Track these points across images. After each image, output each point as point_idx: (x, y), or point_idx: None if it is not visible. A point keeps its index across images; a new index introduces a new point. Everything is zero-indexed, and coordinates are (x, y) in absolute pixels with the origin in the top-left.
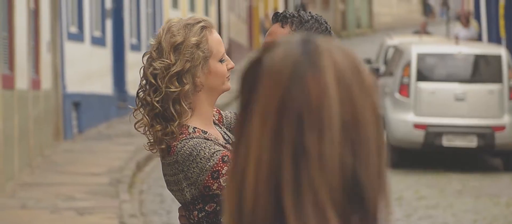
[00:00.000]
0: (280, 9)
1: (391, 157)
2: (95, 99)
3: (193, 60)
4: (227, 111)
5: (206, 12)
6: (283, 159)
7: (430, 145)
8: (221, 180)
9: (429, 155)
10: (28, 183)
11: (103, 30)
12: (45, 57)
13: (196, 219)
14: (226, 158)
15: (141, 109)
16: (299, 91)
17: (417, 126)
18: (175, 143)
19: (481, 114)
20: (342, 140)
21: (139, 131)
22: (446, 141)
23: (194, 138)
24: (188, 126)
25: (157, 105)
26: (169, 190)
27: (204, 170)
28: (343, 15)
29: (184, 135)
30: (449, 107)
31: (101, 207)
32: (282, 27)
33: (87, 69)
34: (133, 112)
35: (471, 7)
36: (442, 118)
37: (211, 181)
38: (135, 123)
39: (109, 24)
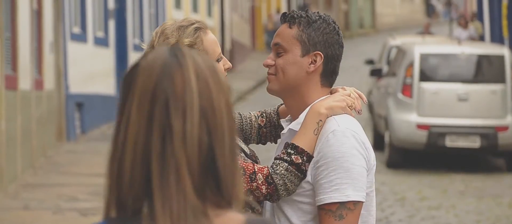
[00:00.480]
0: (283, 10)
1: (393, 157)
2: (98, 99)
3: None
4: None
5: (209, 12)
6: (153, 137)
7: (433, 145)
8: None
9: (432, 155)
10: (31, 184)
11: (106, 31)
12: (48, 58)
13: None
14: None
15: None
16: (167, 83)
17: (420, 126)
18: None
19: (484, 115)
20: (201, 121)
21: None
22: (449, 142)
23: None
24: None
25: None
26: None
27: None
28: (346, 15)
29: None
30: (452, 107)
31: None
32: (290, 27)
33: (90, 69)
34: None
35: (474, 7)
36: (445, 118)
37: None
38: None
39: (112, 24)
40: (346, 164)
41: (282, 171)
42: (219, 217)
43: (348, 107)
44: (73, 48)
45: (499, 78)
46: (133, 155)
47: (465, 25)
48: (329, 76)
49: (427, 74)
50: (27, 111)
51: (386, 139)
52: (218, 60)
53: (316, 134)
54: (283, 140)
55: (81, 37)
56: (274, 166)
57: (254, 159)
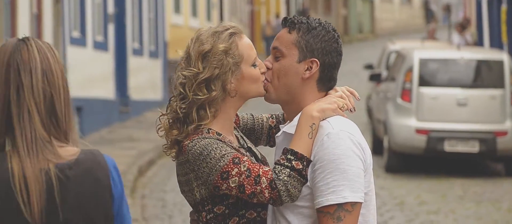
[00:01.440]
0: (283, 14)
1: (392, 162)
2: (97, 103)
3: (222, 67)
4: (243, 113)
5: (208, 17)
6: (11, 91)
7: (432, 150)
8: (230, 181)
9: (431, 160)
10: None
11: (105, 35)
12: None
13: (204, 220)
14: (237, 160)
15: (167, 115)
16: (16, 55)
17: (419, 131)
18: (186, 142)
19: (483, 120)
20: (43, 78)
21: (159, 135)
22: (448, 147)
23: (206, 138)
24: (204, 128)
25: (179, 111)
26: (181, 192)
27: (214, 170)
28: (345, 20)
29: (197, 135)
30: (451, 112)
31: None
32: (289, 32)
33: (89, 73)
34: (159, 117)
35: (473, 12)
36: (444, 123)
37: (220, 181)
38: (157, 128)
39: (111, 28)
40: (342, 166)
41: (285, 178)
42: (61, 148)
43: (340, 108)
44: (72, 52)
45: (498, 83)
46: None
47: (461, 31)
48: (326, 82)
49: (426, 79)
50: None
51: (385, 143)
52: (253, 65)
53: (311, 138)
54: (278, 143)
55: (80, 41)
56: (276, 171)
57: (264, 164)
